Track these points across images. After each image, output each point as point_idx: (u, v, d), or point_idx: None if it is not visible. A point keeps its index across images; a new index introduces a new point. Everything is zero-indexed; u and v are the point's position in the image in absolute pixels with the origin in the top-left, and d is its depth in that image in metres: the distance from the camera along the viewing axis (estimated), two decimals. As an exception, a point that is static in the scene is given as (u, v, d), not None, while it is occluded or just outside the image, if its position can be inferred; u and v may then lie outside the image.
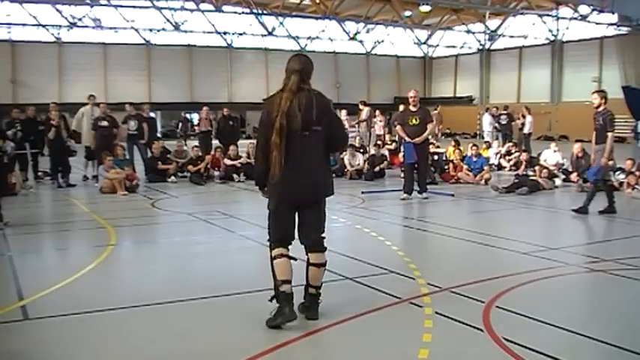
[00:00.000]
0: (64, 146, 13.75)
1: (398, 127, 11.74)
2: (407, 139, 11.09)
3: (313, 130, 4.34)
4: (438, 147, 15.94)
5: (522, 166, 14.86)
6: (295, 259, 4.44)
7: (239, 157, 14.95)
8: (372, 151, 16.34)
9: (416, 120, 11.04)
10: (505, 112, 20.75)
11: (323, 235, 4.54)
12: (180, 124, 30.96)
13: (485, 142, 19.74)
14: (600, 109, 9.30)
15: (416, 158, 11.03)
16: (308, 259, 4.49)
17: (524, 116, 20.25)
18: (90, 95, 14.69)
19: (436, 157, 14.97)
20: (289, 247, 4.48)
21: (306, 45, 41.85)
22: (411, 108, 11.16)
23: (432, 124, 11.19)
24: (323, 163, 4.54)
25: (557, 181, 13.32)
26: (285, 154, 4.28)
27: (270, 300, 4.38)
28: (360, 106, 20.32)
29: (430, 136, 12.47)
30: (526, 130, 20.06)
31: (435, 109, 21.78)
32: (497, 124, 20.80)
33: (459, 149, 15.29)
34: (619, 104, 30.84)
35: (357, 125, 20.72)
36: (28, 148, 13.65)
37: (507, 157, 16.86)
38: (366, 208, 10.44)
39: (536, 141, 23.68)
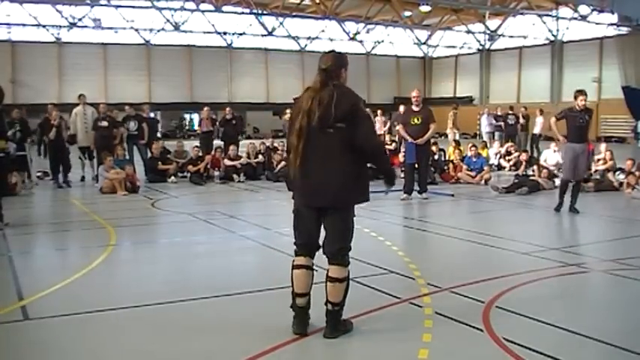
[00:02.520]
0: (65, 146, 13.75)
1: (399, 127, 11.73)
2: (408, 139, 11.08)
3: (336, 127, 4.03)
4: (459, 148, 15.82)
5: (522, 166, 14.86)
6: (316, 271, 4.30)
7: (239, 158, 14.95)
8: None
9: (418, 120, 11.03)
10: (511, 112, 20.74)
11: (343, 246, 4.22)
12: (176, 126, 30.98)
13: (482, 141, 19.75)
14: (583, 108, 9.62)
15: (415, 160, 11.03)
16: (327, 272, 4.25)
17: (524, 116, 20.28)
18: (80, 95, 14.67)
19: (436, 157, 14.96)
20: (313, 256, 4.29)
21: (306, 45, 41.86)
22: (414, 108, 11.15)
23: (434, 124, 11.19)
24: (347, 164, 4.09)
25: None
26: (303, 153, 4.08)
27: (291, 307, 4.29)
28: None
29: (433, 137, 12.44)
30: (536, 131, 20.13)
31: (455, 109, 21.76)
32: (502, 124, 20.73)
33: (459, 149, 15.29)
34: (619, 104, 30.94)
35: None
36: (28, 148, 13.64)
37: (507, 157, 16.86)
38: (366, 208, 10.40)
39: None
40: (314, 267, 4.27)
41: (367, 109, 4.35)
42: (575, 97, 9.56)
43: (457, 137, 19.76)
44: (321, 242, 4.30)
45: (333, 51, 4.50)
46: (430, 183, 12.64)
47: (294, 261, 4.29)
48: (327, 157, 4.06)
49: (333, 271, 4.20)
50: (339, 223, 4.18)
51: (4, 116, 8.58)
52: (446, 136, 22.30)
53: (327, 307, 4.21)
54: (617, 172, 12.63)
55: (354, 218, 4.27)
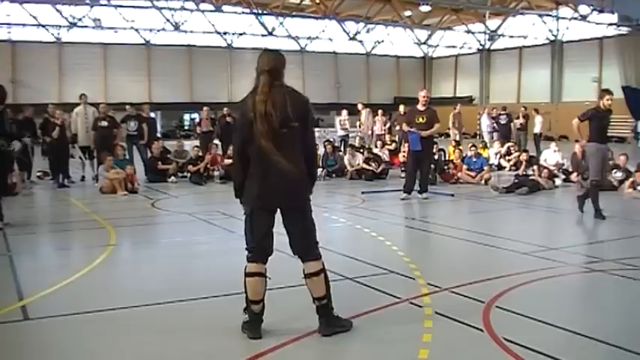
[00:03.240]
0: (68, 146, 13.75)
1: (404, 125, 11.74)
2: (413, 129, 11.06)
3: (290, 127, 4.04)
4: (459, 148, 15.80)
5: (522, 166, 14.76)
6: (269, 278, 4.22)
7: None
8: (376, 151, 16.21)
9: (422, 119, 11.05)
10: (504, 112, 20.75)
11: (313, 241, 4.27)
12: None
13: (482, 141, 19.73)
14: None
15: (420, 147, 10.98)
16: (304, 271, 4.23)
17: (524, 116, 20.28)
18: (81, 95, 14.68)
19: (436, 157, 14.95)
20: (266, 262, 4.21)
21: (306, 45, 41.87)
22: (419, 107, 11.17)
23: (438, 125, 11.20)
24: (301, 162, 4.14)
25: (557, 181, 13.32)
26: (264, 156, 4.01)
27: (243, 311, 4.25)
28: (360, 107, 20.31)
29: (437, 135, 12.44)
30: (537, 130, 20.13)
31: (455, 109, 21.74)
32: (496, 125, 20.76)
33: (459, 149, 15.29)
34: (619, 104, 30.91)
35: (357, 126, 20.72)
36: (29, 148, 13.64)
37: (507, 157, 16.86)
38: (366, 208, 10.43)
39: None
40: (266, 274, 4.21)
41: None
42: (601, 97, 9.40)
43: (457, 138, 19.70)
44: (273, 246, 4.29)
45: (271, 50, 4.41)
46: (430, 183, 12.66)
47: (246, 268, 4.18)
48: (284, 157, 4.01)
49: (309, 267, 4.19)
50: (303, 221, 4.23)
51: (5, 115, 8.55)
52: (447, 135, 22.28)
53: (316, 304, 4.22)
54: (614, 171, 12.61)
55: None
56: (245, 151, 4.08)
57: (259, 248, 4.18)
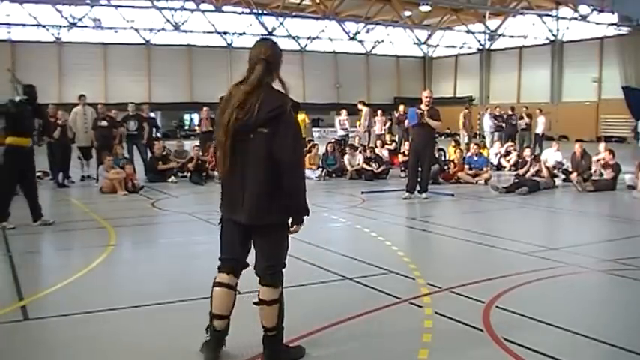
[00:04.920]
0: (68, 146, 13.75)
1: (406, 122, 11.82)
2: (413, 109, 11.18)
3: (257, 132, 3.49)
4: (459, 148, 15.75)
5: (527, 166, 14.12)
6: (239, 292, 3.82)
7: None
8: (377, 152, 16.17)
9: (423, 117, 11.10)
10: (512, 113, 20.72)
11: (271, 264, 3.68)
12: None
13: (482, 141, 19.71)
14: None
15: (417, 122, 11.01)
16: (258, 294, 3.75)
17: (529, 116, 20.26)
18: (80, 95, 14.68)
19: (437, 156, 14.95)
20: (238, 274, 3.78)
21: (306, 45, 41.87)
22: (422, 106, 11.20)
23: (439, 123, 11.23)
24: (270, 177, 3.52)
25: (557, 181, 13.31)
26: (231, 161, 3.55)
27: (206, 330, 3.82)
28: (360, 106, 20.28)
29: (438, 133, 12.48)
30: (538, 131, 20.13)
31: (467, 109, 21.69)
32: (502, 125, 20.65)
33: (460, 149, 15.28)
34: (619, 104, 30.95)
35: (357, 126, 20.70)
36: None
37: (507, 157, 16.86)
38: (366, 208, 10.43)
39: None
40: (237, 288, 3.80)
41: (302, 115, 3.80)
42: None
43: (467, 140, 19.59)
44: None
45: (269, 39, 3.90)
46: (433, 183, 12.67)
47: (215, 278, 3.78)
48: (252, 165, 3.53)
49: (262, 292, 3.71)
50: (267, 241, 3.69)
51: (26, 113, 8.55)
52: (457, 136, 22.18)
53: (264, 332, 3.79)
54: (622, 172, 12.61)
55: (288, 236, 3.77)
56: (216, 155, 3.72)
57: (228, 259, 3.77)
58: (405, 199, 11.04)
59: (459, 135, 21.81)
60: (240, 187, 3.57)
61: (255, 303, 3.72)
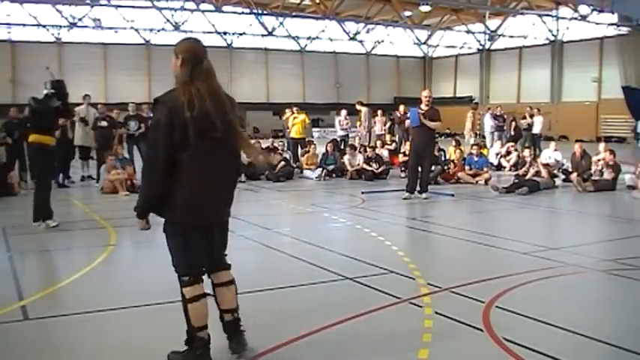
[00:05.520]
0: (69, 146, 13.76)
1: (407, 122, 11.80)
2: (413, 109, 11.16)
3: (225, 133, 3.59)
4: (459, 148, 15.73)
5: (527, 166, 14.10)
6: (212, 295, 3.84)
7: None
8: (378, 152, 16.17)
9: (424, 118, 11.09)
10: (499, 113, 20.69)
11: (225, 248, 3.91)
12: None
13: (482, 141, 19.69)
14: None
15: (419, 123, 11.02)
16: (213, 281, 3.81)
17: (531, 116, 20.25)
18: (85, 95, 14.67)
19: (437, 156, 14.95)
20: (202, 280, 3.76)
21: (306, 45, 41.87)
22: (422, 106, 11.19)
23: (439, 123, 11.23)
24: (234, 174, 3.84)
25: (557, 181, 13.30)
26: (200, 163, 3.52)
27: (186, 344, 3.74)
28: (358, 107, 20.26)
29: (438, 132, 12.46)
30: (536, 131, 20.12)
31: (474, 109, 21.62)
32: (503, 125, 20.62)
33: (460, 149, 15.28)
34: (619, 104, 30.95)
35: (358, 126, 20.70)
36: (25, 147, 13.63)
37: (507, 157, 16.86)
38: (366, 208, 10.43)
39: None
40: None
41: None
42: None
43: (472, 141, 19.47)
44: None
45: (192, 39, 3.88)
46: (435, 183, 12.66)
47: (187, 293, 3.67)
48: (224, 164, 3.65)
49: (224, 276, 3.81)
50: (226, 233, 3.87)
51: (49, 110, 8.54)
52: (461, 136, 22.11)
53: (228, 318, 3.79)
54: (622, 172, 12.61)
55: None
56: (172, 156, 3.46)
57: (198, 268, 3.71)
58: (405, 199, 11.04)
59: (462, 136, 21.67)
60: (218, 186, 3.64)
61: (220, 284, 3.79)
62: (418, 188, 11.18)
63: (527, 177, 12.74)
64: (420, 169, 11.18)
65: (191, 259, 3.66)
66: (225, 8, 34.73)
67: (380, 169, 14.81)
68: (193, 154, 3.48)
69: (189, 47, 3.75)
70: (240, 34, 39.51)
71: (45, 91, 8.60)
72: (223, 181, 3.69)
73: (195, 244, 3.64)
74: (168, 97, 3.58)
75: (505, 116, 20.78)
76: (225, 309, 3.79)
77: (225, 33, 39.41)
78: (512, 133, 20.55)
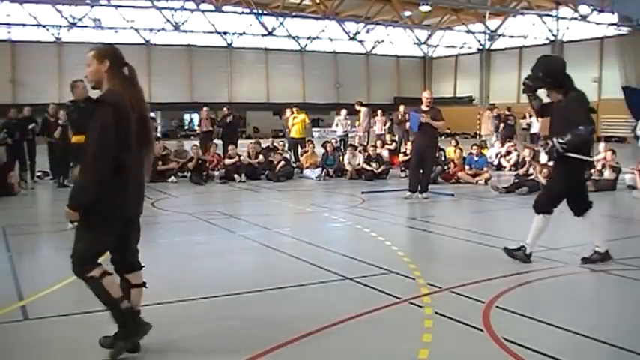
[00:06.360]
0: (69, 146, 13.76)
1: (407, 124, 11.73)
2: (414, 113, 11.09)
3: (149, 132, 3.95)
4: (459, 148, 15.73)
5: (527, 165, 14.19)
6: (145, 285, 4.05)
7: (238, 157, 14.92)
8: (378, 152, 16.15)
9: (423, 118, 11.09)
10: (509, 113, 20.67)
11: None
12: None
13: (482, 141, 19.66)
14: None
15: (417, 129, 10.96)
16: (130, 281, 3.98)
17: (530, 116, 20.23)
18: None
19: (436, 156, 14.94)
20: None
21: (306, 45, 41.87)
22: (423, 107, 11.19)
23: (442, 122, 11.23)
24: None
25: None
26: (135, 161, 3.77)
27: (119, 327, 3.85)
28: (357, 107, 20.24)
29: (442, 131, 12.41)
30: (534, 131, 20.10)
31: (489, 110, 21.49)
32: (501, 125, 20.56)
33: (460, 149, 15.28)
34: (619, 104, 30.95)
35: (357, 126, 20.68)
36: (25, 148, 13.63)
37: (507, 157, 16.85)
38: (366, 208, 10.43)
39: (536, 141, 23.62)
40: None
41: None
42: None
43: (494, 139, 19.26)
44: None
45: (108, 44, 4.14)
46: (433, 183, 12.66)
47: (93, 273, 3.80)
48: (143, 165, 3.93)
49: (139, 276, 4.04)
50: (139, 230, 4.07)
51: (82, 110, 8.77)
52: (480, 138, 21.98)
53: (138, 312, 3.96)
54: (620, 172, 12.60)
55: None
56: (116, 154, 3.61)
57: (101, 252, 3.93)
58: (406, 198, 11.04)
59: (478, 136, 21.41)
60: (139, 180, 3.89)
61: (137, 285, 3.98)
62: (419, 188, 11.17)
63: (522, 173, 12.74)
64: (421, 169, 11.18)
65: (103, 247, 3.90)
66: (225, 8, 34.72)
67: (380, 169, 14.82)
68: (131, 153, 3.69)
69: (114, 51, 3.93)
70: (240, 34, 39.51)
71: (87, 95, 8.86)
72: (142, 179, 3.95)
73: (113, 235, 3.86)
74: (112, 98, 3.70)
75: (502, 115, 20.73)
76: (136, 307, 3.96)
77: (225, 33, 39.41)
78: (502, 130, 20.46)
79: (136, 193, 3.86)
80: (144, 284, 4.02)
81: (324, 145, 16.21)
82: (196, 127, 28.98)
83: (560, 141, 5.82)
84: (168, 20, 35.53)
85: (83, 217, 3.76)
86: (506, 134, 19.90)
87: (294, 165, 15.93)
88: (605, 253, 6.17)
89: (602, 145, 13.99)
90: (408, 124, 12.01)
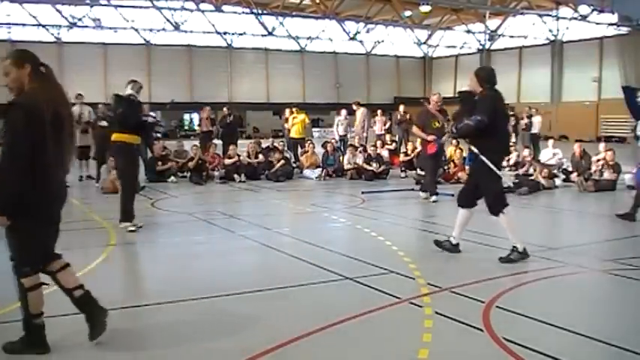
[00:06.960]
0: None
1: (415, 129, 11.54)
2: (429, 137, 10.95)
3: (70, 132, 4.00)
4: (460, 148, 15.73)
5: (527, 165, 14.27)
6: (46, 285, 4.06)
7: (238, 157, 14.92)
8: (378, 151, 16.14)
9: (439, 123, 11.05)
10: (511, 113, 20.63)
11: None
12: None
13: None
14: None
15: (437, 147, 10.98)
16: (52, 270, 4.07)
17: (530, 116, 20.22)
18: (77, 94, 14.68)
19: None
20: None
21: (306, 45, 41.87)
22: (432, 111, 11.16)
23: (451, 123, 11.20)
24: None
25: (557, 181, 13.29)
26: (55, 160, 3.79)
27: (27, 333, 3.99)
28: (354, 107, 20.19)
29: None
30: (535, 130, 20.08)
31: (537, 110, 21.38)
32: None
33: (460, 149, 15.26)
34: (619, 104, 30.94)
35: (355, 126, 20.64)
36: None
37: (507, 157, 16.80)
38: (366, 208, 10.43)
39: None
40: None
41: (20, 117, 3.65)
42: None
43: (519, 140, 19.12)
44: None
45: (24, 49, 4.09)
46: (437, 183, 12.66)
47: (26, 282, 3.94)
48: (65, 163, 4.02)
49: (61, 261, 4.15)
50: (59, 225, 4.12)
51: (131, 109, 8.43)
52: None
53: (77, 293, 4.13)
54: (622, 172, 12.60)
55: None
56: (32, 155, 3.62)
57: (41, 261, 3.98)
58: (434, 201, 10.94)
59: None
60: (60, 182, 3.98)
61: (60, 269, 4.05)
62: (419, 187, 11.17)
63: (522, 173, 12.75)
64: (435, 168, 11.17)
65: (38, 252, 3.92)
66: (225, 8, 34.75)
67: (380, 169, 14.82)
68: (48, 153, 3.70)
69: (31, 54, 3.91)
70: (240, 34, 39.53)
71: (129, 92, 8.53)
72: (63, 178, 4.03)
73: (45, 239, 3.93)
74: (25, 100, 3.71)
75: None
76: (73, 287, 4.06)
77: (225, 33, 39.44)
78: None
79: (58, 193, 3.93)
80: (66, 266, 4.07)
81: (324, 145, 16.26)
82: (196, 127, 28.97)
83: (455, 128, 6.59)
84: (168, 20, 35.55)
85: (17, 222, 3.75)
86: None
87: (294, 165, 15.93)
88: (524, 252, 6.28)
89: (602, 145, 13.99)
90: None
